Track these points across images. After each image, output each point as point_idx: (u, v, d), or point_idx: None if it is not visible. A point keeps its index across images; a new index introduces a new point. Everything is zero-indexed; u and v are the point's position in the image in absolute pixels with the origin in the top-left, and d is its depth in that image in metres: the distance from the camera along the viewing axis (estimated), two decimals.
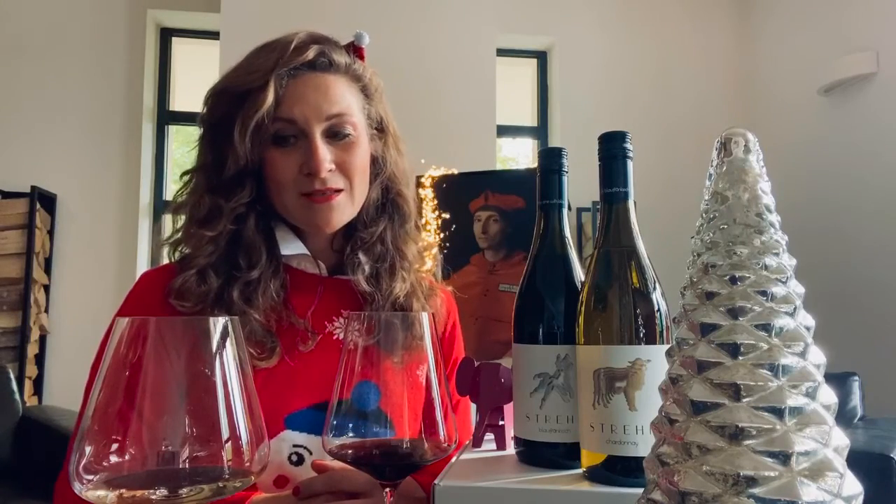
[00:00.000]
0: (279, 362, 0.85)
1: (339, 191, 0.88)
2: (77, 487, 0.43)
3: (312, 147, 0.85)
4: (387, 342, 0.59)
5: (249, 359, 0.83)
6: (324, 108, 0.86)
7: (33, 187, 3.24)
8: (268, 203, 0.91)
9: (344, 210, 0.90)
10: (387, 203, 0.97)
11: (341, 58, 0.90)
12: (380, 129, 0.97)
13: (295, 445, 0.83)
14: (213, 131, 0.89)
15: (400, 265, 0.95)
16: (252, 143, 0.85)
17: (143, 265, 3.46)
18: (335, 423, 0.58)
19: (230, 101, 0.87)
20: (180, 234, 0.90)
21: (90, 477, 0.43)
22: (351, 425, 0.59)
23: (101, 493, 0.43)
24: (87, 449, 0.43)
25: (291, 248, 0.92)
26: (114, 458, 0.43)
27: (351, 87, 0.91)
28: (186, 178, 0.92)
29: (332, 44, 0.91)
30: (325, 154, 0.86)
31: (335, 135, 0.88)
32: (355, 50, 0.95)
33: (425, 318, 0.61)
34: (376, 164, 0.96)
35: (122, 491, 0.43)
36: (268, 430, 0.82)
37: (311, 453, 0.84)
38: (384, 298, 0.92)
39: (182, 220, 0.91)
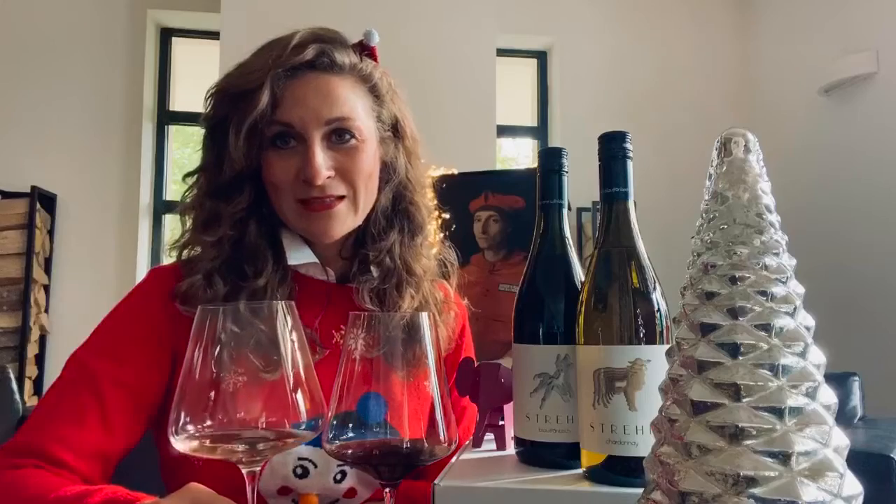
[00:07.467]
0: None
1: (340, 198, 0.85)
2: (173, 440, 0.54)
3: (310, 154, 0.81)
4: (393, 354, 0.57)
5: (256, 371, 0.82)
6: (323, 112, 0.82)
7: (33, 187, 3.23)
8: (272, 208, 0.88)
9: (345, 219, 0.86)
10: (397, 212, 0.93)
11: (345, 57, 0.86)
12: (394, 131, 0.92)
13: (300, 458, 0.81)
14: (212, 132, 0.87)
15: (407, 281, 0.90)
16: (248, 146, 0.82)
17: (142, 265, 3.46)
18: (338, 429, 0.57)
19: (227, 101, 0.84)
20: (187, 236, 0.88)
21: (183, 435, 0.54)
22: (355, 435, 0.57)
23: (195, 443, 0.54)
24: (182, 413, 0.54)
25: (299, 256, 0.88)
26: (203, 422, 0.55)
27: (357, 88, 0.87)
28: (190, 179, 0.90)
29: (336, 42, 0.87)
30: (323, 161, 0.82)
31: (337, 139, 0.84)
32: (365, 49, 0.91)
33: (424, 318, 0.60)
34: (387, 169, 0.91)
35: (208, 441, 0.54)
36: None
37: (315, 466, 0.82)
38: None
39: (189, 221, 0.89)
